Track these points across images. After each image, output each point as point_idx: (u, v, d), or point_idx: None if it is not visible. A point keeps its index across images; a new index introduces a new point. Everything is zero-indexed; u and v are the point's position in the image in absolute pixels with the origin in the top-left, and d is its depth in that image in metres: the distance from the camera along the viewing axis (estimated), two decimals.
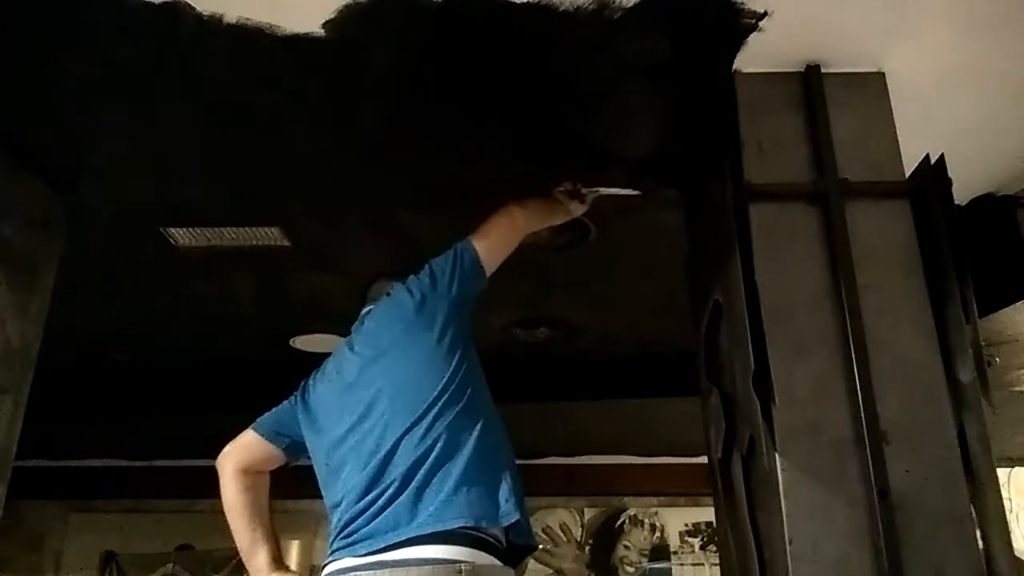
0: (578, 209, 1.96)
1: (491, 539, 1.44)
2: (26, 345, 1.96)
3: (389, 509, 1.43)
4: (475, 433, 1.50)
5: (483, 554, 1.40)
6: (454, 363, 1.56)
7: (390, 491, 1.44)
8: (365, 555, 1.41)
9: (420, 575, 1.36)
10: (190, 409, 3.75)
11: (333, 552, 1.48)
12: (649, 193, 2.08)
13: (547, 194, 1.93)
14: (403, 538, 1.40)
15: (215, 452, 1.75)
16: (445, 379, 1.53)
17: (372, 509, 1.45)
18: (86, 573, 4.76)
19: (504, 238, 1.77)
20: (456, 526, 1.40)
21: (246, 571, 1.72)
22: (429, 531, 1.39)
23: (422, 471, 1.45)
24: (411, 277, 1.69)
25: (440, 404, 1.50)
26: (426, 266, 1.70)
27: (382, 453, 1.48)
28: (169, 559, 4.75)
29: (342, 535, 1.47)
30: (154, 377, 3.73)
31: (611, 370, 3.58)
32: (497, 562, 1.42)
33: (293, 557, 4.44)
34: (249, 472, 1.72)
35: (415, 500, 1.43)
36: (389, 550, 1.40)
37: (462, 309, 1.66)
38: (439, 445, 1.47)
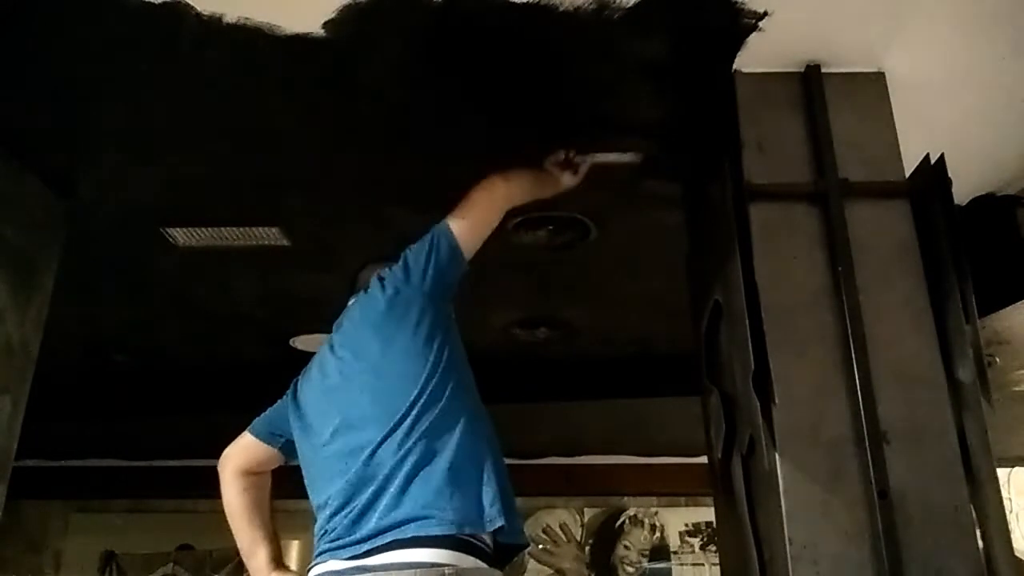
0: (570, 180, 1.86)
1: (476, 541, 1.41)
2: (26, 345, 1.96)
3: (371, 514, 1.41)
4: (457, 432, 1.46)
5: (468, 557, 1.38)
6: (432, 357, 1.51)
7: (372, 496, 1.42)
8: (348, 559, 1.39)
9: None
10: (190, 409, 3.75)
11: (318, 555, 1.46)
12: (645, 161, 2.00)
13: (537, 165, 1.83)
14: (386, 542, 1.37)
15: (215, 452, 1.76)
16: (424, 377, 1.49)
17: (355, 513, 1.42)
18: (86, 573, 4.76)
19: (484, 217, 1.68)
20: (438, 533, 1.37)
21: (246, 571, 1.72)
22: (411, 535, 1.37)
23: (404, 475, 1.42)
24: (387, 270, 1.63)
25: (420, 405, 1.47)
26: (402, 255, 1.63)
27: (364, 457, 1.45)
28: (169, 559, 4.76)
29: (326, 538, 1.45)
30: (154, 377, 3.73)
31: (610, 370, 3.58)
32: (483, 564, 1.40)
33: (293, 557, 4.44)
34: (249, 473, 1.72)
35: (397, 505, 1.40)
36: (372, 554, 1.38)
37: (439, 300, 1.60)
38: (420, 448, 1.43)
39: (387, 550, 1.37)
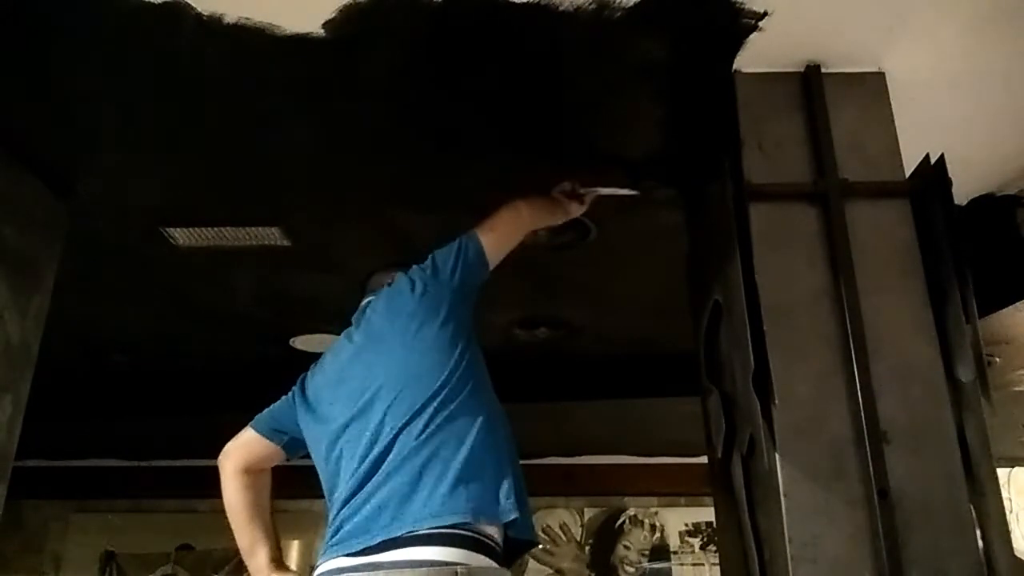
0: (576, 210, 1.95)
1: (488, 540, 1.42)
2: (26, 345, 1.96)
3: (384, 504, 1.41)
4: (476, 428, 1.48)
5: (480, 556, 1.39)
6: (456, 356, 1.55)
7: (386, 485, 1.43)
8: (358, 553, 1.39)
9: None
10: (190, 409, 3.75)
11: (327, 550, 1.45)
12: (648, 193, 2.08)
13: (548, 193, 1.93)
14: (398, 534, 1.38)
15: (215, 452, 1.76)
16: (446, 372, 1.52)
17: (367, 503, 1.43)
18: (86, 573, 4.75)
19: (509, 233, 1.77)
20: (453, 522, 1.38)
21: (246, 571, 1.72)
22: (425, 530, 1.37)
23: (419, 466, 1.43)
24: (414, 267, 1.68)
25: (440, 398, 1.49)
26: (429, 256, 1.69)
27: (379, 447, 1.46)
28: (169, 559, 4.76)
29: (337, 530, 1.45)
30: (154, 377, 3.73)
31: (611, 370, 3.58)
32: (493, 564, 1.41)
33: (293, 557, 4.44)
34: (250, 471, 1.72)
35: (411, 495, 1.41)
36: (383, 549, 1.38)
37: (464, 301, 1.65)
38: (438, 440, 1.45)
39: (401, 545, 1.37)
